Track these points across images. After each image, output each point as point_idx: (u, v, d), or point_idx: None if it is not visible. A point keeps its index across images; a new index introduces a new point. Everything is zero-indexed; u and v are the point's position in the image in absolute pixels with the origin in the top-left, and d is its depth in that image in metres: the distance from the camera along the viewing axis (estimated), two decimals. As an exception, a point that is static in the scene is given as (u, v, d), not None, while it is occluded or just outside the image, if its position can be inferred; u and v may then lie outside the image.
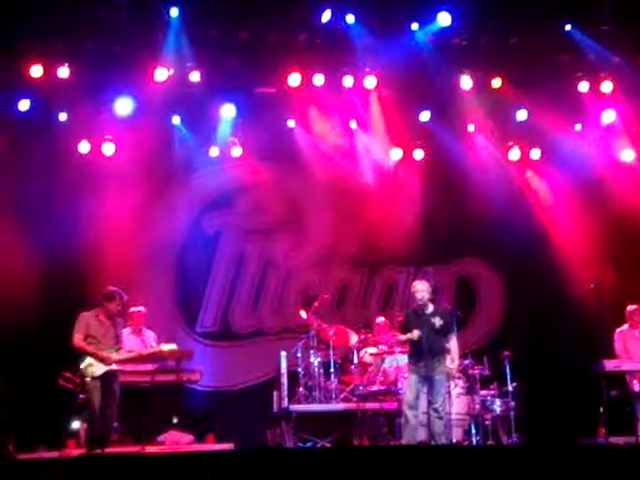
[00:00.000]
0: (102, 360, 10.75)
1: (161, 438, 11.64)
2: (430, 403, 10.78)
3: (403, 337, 11.03)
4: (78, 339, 10.82)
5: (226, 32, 13.08)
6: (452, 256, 15.08)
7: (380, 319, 13.38)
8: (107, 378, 10.79)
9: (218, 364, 14.26)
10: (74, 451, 10.97)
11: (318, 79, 13.59)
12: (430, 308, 10.99)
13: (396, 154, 14.63)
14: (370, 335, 13.00)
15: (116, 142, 13.74)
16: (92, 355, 10.75)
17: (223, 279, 14.76)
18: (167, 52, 12.95)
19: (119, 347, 10.97)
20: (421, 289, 10.95)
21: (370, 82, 13.66)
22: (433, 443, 10.66)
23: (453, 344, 11.03)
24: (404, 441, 10.75)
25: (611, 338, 12.86)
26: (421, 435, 11.09)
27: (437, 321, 10.91)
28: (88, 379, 10.72)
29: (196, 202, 14.78)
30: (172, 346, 11.42)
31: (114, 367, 10.84)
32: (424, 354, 10.77)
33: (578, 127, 14.44)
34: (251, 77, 13.64)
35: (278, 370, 12.80)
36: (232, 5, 12.79)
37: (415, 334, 10.78)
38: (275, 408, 12.84)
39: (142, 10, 12.76)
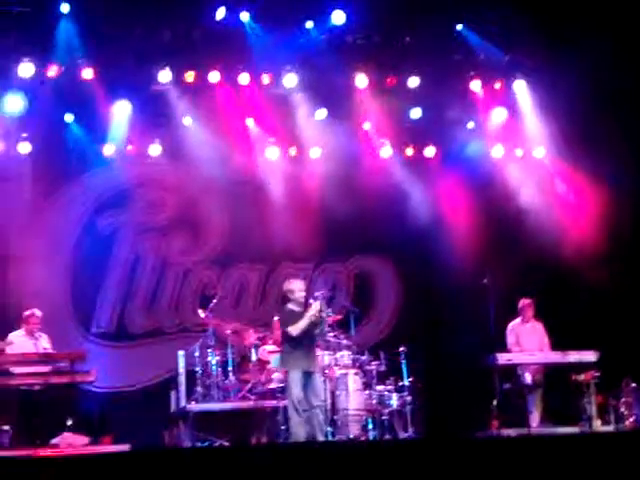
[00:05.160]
0: None
1: (55, 441, 11.43)
2: (311, 399, 10.88)
3: (308, 315, 10.89)
4: None
5: (120, 29, 12.88)
6: (350, 253, 15.19)
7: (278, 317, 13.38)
8: None
9: (114, 365, 14.04)
10: None
11: (214, 76, 13.53)
12: (303, 306, 11.18)
13: (293, 152, 14.66)
14: (268, 333, 13.00)
15: (6, 140, 13.44)
16: None
17: (119, 279, 14.53)
18: (58, 48, 12.74)
19: None
20: (300, 288, 11.21)
21: (266, 80, 13.67)
22: (320, 438, 10.78)
23: None
24: (295, 438, 10.79)
25: (504, 332, 13.16)
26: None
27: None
28: None
29: (90, 201, 14.54)
30: None
31: None
32: (307, 349, 10.99)
33: (471, 125, 14.68)
34: (146, 74, 13.49)
35: (176, 370, 12.71)
36: (125, 2, 12.65)
37: (317, 304, 10.92)
38: (173, 408, 12.74)
39: (33, 5, 12.55)
